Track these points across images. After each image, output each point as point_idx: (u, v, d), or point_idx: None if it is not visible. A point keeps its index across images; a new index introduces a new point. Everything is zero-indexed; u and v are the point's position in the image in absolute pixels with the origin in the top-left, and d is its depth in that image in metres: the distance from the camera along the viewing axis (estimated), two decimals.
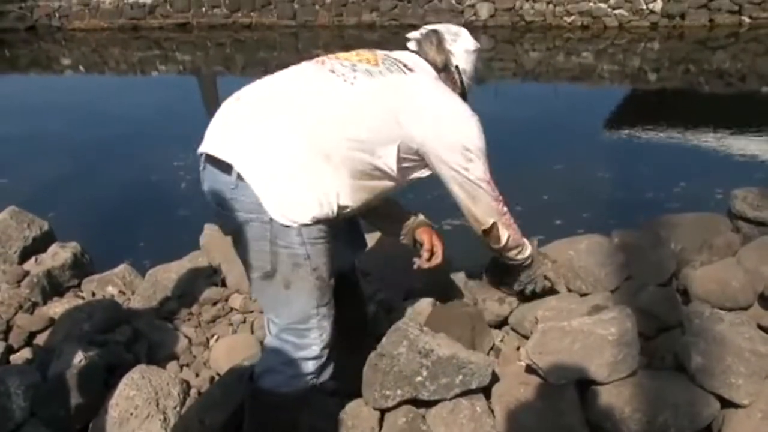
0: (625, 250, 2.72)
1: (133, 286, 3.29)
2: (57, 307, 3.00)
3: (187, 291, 3.15)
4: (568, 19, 13.98)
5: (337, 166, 1.86)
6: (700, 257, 2.80)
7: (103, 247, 4.28)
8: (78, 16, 17.01)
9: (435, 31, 2.22)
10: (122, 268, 3.38)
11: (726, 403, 2.14)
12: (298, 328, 1.94)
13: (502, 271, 2.54)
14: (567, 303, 2.53)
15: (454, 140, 2.00)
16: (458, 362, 2.16)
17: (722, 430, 2.15)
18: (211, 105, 10.14)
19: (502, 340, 2.66)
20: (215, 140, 1.91)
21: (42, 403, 2.34)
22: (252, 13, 16.12)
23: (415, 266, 2.33)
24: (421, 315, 2.67)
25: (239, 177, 1.82)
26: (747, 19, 12.93)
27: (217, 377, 2.58)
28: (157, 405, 2.31)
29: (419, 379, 2.16)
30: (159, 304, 3.09)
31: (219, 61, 14.41)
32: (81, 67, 14.89)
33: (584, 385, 2.21)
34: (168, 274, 3.21)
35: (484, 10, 14.45)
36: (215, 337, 2.88)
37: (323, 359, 1.99)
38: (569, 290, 2.68)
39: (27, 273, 3.17)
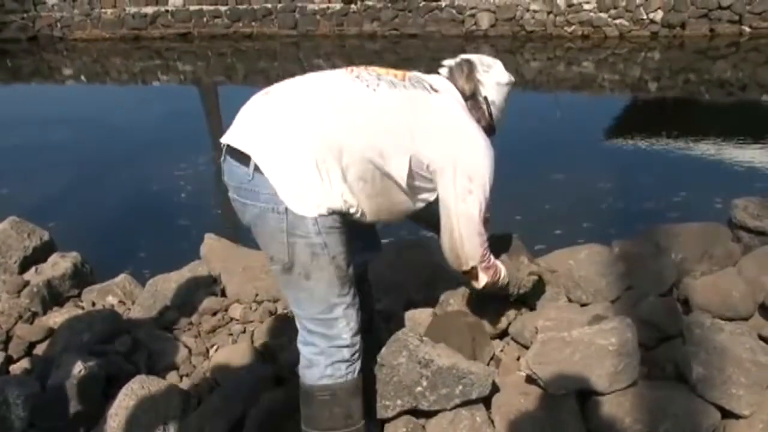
0: (625, 259, 2.72)
1: (133, 296, 3.29)
2: (57, 317, 3.00)
3: (187, 301, 3.14)
4: (569, 29, 14.01)
5: (348, 166, 1.88)
6: (700, 267, 2.80)
7: (103, 257, 4.28)
8: (80, 26, 17.06)
9: (468, 60, 2.24)
10: (122, 277, 3.38)
11: (727, 414, 2.13)
12: (325, 318, 1.97)
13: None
14: (567, 313, 2.53)
15: (461, 164, 2.02)
16: (458, 372, 2.15)
17: None
18: (213, 115, 10.17)
19: (502, 350, 2.65)
20: (237, 132, 1.95)
21: (41, 413, 2.33)
22: (253, 23, 16.16)
23: None
24: (421, 325, 2.66)
25: (256, 168, 1.86)
26: (747, 29, 12.95)
27: (217, 387, 2.57)
28: (157, 415, 2.30)
29: (419, 389, 2.16)
30: (159, 314, 3.09)
31: (220, 70, 14.45)
32: (83, 77, 14.93)
33: (585, 395, 2.21)
34: (168, 284, 3.21)
35: (484, 20, 14.49)
36: (215, 347, 2.88)
37: (357, 347, 2.03)
38: (569, 300, 2.68)
39: (27, 283, 3.17)
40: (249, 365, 2.58)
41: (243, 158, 1.89)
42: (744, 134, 7.55)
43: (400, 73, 2.10)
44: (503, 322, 2.64)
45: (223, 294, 3.23)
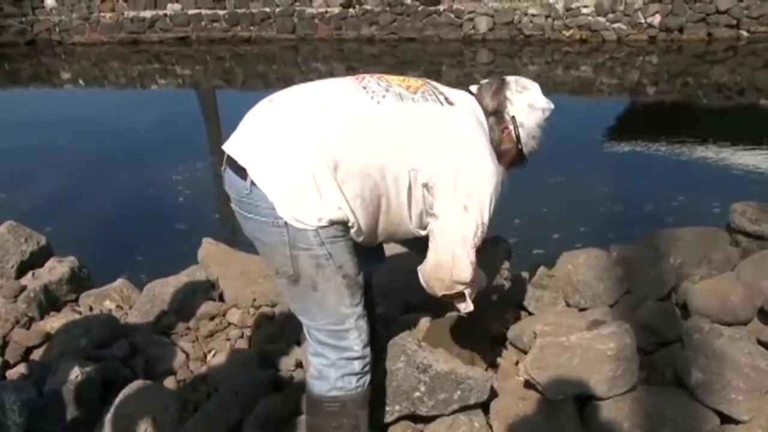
0: (623, 264, 2.71)
1: (130, 301, 3.28)
2: (54, 322, 2.99)
3: (185, 305, 3.13)
4: (567, 33, 14.04)
5: (344, 181, 1.83)
6: (699, 271, 2.79)
7: (100, 261, 4.27)
8: (78, 30, 17.09)
9: (501, 78, 2.14)
10: (120, 282, 3.37)
11: (725, 419, 2.12)
12: (336, 330, 1.94)
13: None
14: (566, 318, 2.52)
15: (461, 179, 1.92)
16: (456, 377, 2.15)
17: None
18: (211, 119, 10.17)
19: (500, 356, 2.64)
20: (236, 142, 1.92)
21: (38, 419, 2.32)
22: (251, 27, 16.19)
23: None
24: (420, 330, 2.66)
25: (253, 182, 1.84)
26: (745, 33, 12.99)
27: (214, 392, 2.56)
28: (155, 420, 2.29)
29: (417, 394, 2.15)
30: (156, 319, 3.08)
31: (218, 74, 14.46)
32: (81, 81, 14.95)
33: (583, 400, 2.20)
34: (166, 289, 3.20)
35: (482, 24, 14.52)
36: (213, 351, 2.87)
37: (367, 359, 2.00)
38: (568, 305, 2.68)
39: (24, 288, 3.16)
40: (247, 370, 2.57)
41: (241, 170, 1.86)
42: (742, 138, 7.56)
43: (415, 83, 2.01)
44: (502, 327, 2.64)
45: (221, 299, 3.22)
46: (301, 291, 1.93)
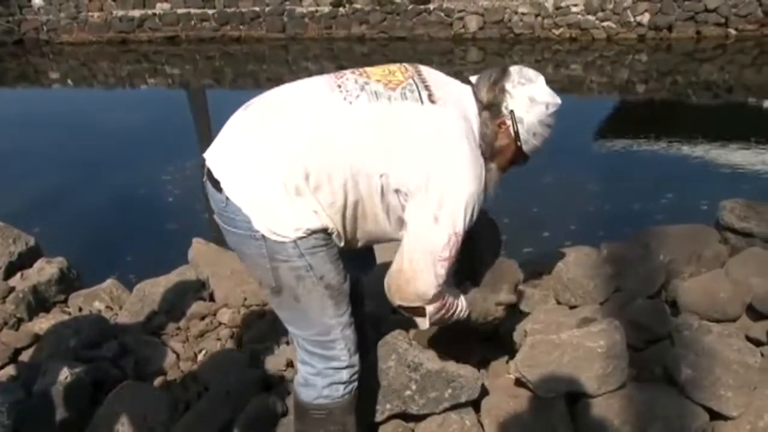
0: (613, 262, 2.72)
1: (120, 301, 3.27)
2: (43, 323, 2.99)
3: (175, 305, 3.13)
4: (557, 32, 14.05)
5: (316, 188, 1.78)
6: (688, 269, 2.80)
7: (90, 262, 4.26)
8: (66, 29, 17.00)
9: (503, 69, 1.97)
10: (109, 282, 3.36)
11: (715, 415, 2.13)
12: (322, 341, 1.91)
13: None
14: (556, 316, 2.53)
15: (432, 187, 1.81)
16: (447, 376, 2.15)
17: None
18: (201, 118, 10.13)
19: (491, 353, 2.64)
20: (214, 151, 1.89)
21: (26, 420, 2.31)
22: (241, 27, 16.14)
23: None
24: (410, 328, 2.65)
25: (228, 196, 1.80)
26: (733, 32, 13.03)
27: (205, 392, 2.55)
28: (145, 420, 2.29)
29: (408, 392, 2.15)
30: (147, 319, 3.07)
31: (208, 74, 14.42)
32: (69, 81, 14.88)
33: (574, 398, 2.21)
34: (156, 289, 3.19)
35: (472, 23, 14.52)
36: (203, 351, 2.86)
37: (355, 367, 1.97)
38: (558, 303, 2.68)
39: (12, 289, 3.15)
40: (237, 370, 2.57)
41: (217, 182, 1.83)
42: (730, 136, 7.59)
43: (400, 77, 1.90)
44: (493, 325, 2.63)
45: (212, 298, 3.22)
46: (284, 302, 1.90)
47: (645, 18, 13.43)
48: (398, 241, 1.93)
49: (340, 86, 1.87)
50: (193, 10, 16.42)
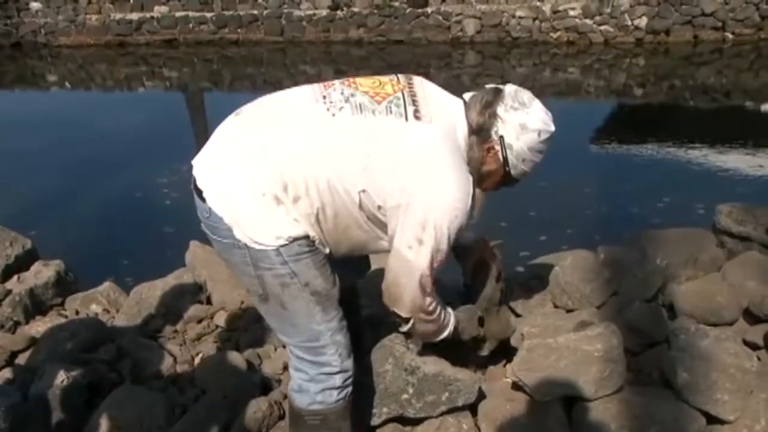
0: (611, 265, 2.72)
1: (117, 304, 3.26)
2: (39, 326, 2.98)
3: (172, 308, 3.12)
4: (554, 35, 14.09)
5: (296, 199, 1.77)
6: (685, 272, 2.81)
7: (87, 264, 4.25)
8: (64, 32, 16.99)
9: (497, 90, 1.93)
10: (106, 285, 3.36)
11: (712, 419, 2.13)
12: (312, 347, 1.91)
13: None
14: (553, 319, 2.52)
15: (414, 207, 1.79)
16: (444, 379, 2.15)
17: None
18: (198, 121, 10.13)
19: (488, 357, 2.64)
20: (200, 161, 1.90)
21: (23, 424, 2.30)
22: (239, 30, 16.15)
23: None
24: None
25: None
26: (730, 36, 13.08)
27: (202, 395, 2.55)
28: (142, 425, 2.28)
29: (405, 396, 2.15)
30: (144, 322, 3.06)
31: (206, 77, 14.43)
32: (67, 84, 14.88)
33: (571, 401, 2.21)
34: (153, 292, 3.19)
35: (470, 26, 14.54)
36: (200, 354, 2.86)
37: (348, 372, 1.96)
38: (555, 306, 2.68)
39: (9, 291, 3.14)
40: (235, 373, 2.56)
41: (202, 192, 1.84)
42: (727, 140, 7.61)
43: (389, 89, 1.87)
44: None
45: (209, 301, 3.21)
46: (271, 309, 1.90)
47: (642, 22, 13.47)
48: (386, 252, 1.92)
49: (325, 97, 1.85)
50: (191, 13, 16.43)
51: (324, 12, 15.60)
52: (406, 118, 1.82)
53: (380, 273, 1.96)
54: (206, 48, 16.11)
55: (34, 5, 17.25)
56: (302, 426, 2.01)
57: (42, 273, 3.31)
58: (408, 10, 14.96)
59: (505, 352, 2.44)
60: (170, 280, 3.27)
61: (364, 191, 1.79)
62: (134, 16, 16.72)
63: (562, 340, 2.20)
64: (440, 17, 14.80)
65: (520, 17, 14.28)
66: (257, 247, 1.77)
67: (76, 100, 13.19)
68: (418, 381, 2.14)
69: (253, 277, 1.84)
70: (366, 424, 2.19)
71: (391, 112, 1.82)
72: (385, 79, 1.94)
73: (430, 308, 1.95)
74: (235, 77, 14.16)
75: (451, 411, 2.18)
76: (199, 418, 2.33)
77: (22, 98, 13.81)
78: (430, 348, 2.33)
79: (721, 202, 3.08)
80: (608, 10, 13.62)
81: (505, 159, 1.94)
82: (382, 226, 1.86)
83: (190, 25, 16.41)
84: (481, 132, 1.91)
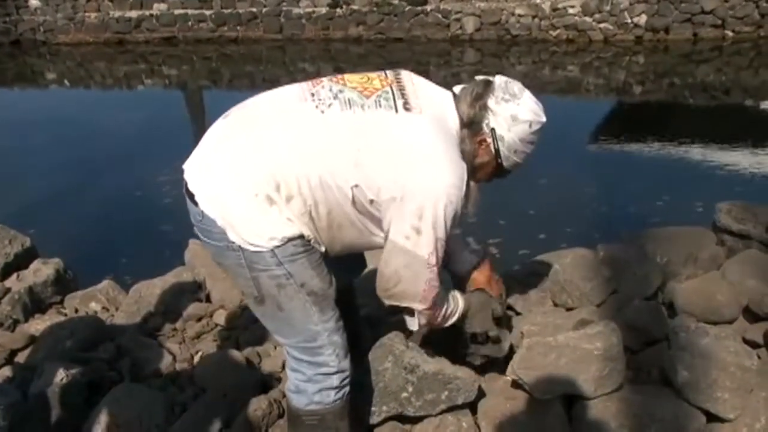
0: (610, 263, 2.72)
1: (116, 303, 3.26)
2: (39, 324, 2.98)
3: (172, 307, 3.12)
4: (554, 33, 14.07)
5: (288, 198, 1.76)
6: (685, 271, 2.81)
7: (86, 263, 4.25)
8: (63, 30, 16.97)
9: (487, 82, 1.93)
10: (106, 284, 3.36)
11: (712, 418, 2.13)
12: (309, 347, 1.90)
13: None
14: (552, 318, 2.53)
15: (409, 197, 1.77)
16: (444, 378, 2.15)
17: None
18: (197, 119, 10.13)
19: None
20: (191, 164, 1.88)
21: (22, 422, 2.30)
22: (238, 27, 16.13)
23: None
24: (407, 330, 2.65)
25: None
26: (730, 33, 13.06)
27: (201, 394, 2.55)
28: (141, 423, 2.28)
29: (405, 394, 2.15)
30: (143, 320, 3.06)
31: (205, 74, 14.40)
32: (66, 82, 14.86)
33: (571, 400, 2.21)
34: (152, 290, 3.19)
35: (470, 24, 14.53)
36: (200, 353, 2.86)
37: (346, 372, 1.96)
38: (555, 305, 2.68)
39: (8, 290, 3.14)
40: (234, 371, 2.56)
41: (194, 196, 1.82)
42: (727, 138, 7.60)
43: (377, 84, 1.87)
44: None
45: (208, 300, 3.21)
46: (268, 311, 1.90)
47: (642, 20, 13.44)
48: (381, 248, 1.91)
49: (313, 95, 1.84)
50: (190, 11, 16.41)
51: (323, 10, 15.58)
52: (396, 110, 1.81)
53: (376, 271, 1.95)
54: (205, 46, 16.09)
55: (33, 3, 17.23)
56: (300, 426, 2.00)
57: (41, 271, 3.31)
58: (407, 8, 14.94)
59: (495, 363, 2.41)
60: (169, 279, 3.27)
61: (356, 186, 1.78)
62: (133, 13, 16.70)
63: (562, 338, 2.20)
64: (439, 15, 14.78)
65: (520, 15, 14.26)
66: (252, 248, 1.76)
67: (74, 98, 13.17)
68: (418, 379, 2.14)
69: (249, 279, 1.83)
70: (365, 423, 2.19)
71: (380, 105, 1.82)
72: (373, 74, 1.93)
73: (436, 298, 1.94)
74: (234, 75, 14.14)
75: (450, 409, 2.18)
76: (198, 416, 2.33)
77: (21, 96, 13.81)
78: (429, 347, 2.33)
79: (720, 200, 3.09)
80: (608, 8, 13.59)
81: (497, 151, 1.94)
82: (376, 221, 1.85)
83: (189, 23, 16.39)
84: (472, 125, 1.91)
